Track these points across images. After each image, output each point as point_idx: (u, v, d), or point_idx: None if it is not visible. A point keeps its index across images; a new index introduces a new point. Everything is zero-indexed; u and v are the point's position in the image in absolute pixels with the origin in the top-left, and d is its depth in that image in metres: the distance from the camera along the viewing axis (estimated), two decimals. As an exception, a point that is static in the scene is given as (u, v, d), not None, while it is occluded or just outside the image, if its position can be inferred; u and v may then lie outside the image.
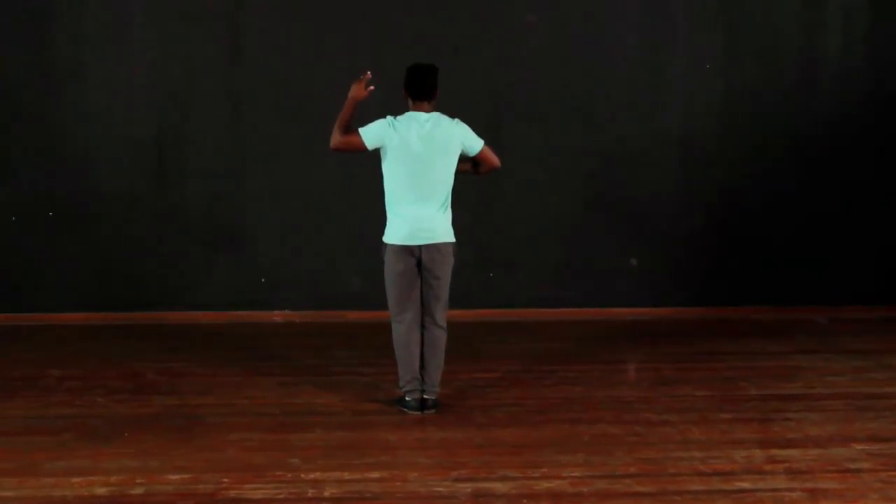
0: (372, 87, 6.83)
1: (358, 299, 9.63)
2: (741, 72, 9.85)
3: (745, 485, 5.70)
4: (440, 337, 6.99)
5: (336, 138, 6.79)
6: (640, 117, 9.82)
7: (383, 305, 9.74)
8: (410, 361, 6.94)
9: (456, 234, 9.75)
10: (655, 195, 9.87)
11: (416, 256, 6.88)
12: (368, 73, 6.89)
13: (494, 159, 7.12)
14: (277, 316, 9.65)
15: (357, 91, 6.81)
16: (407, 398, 6.95)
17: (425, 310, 6.98)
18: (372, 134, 6.80)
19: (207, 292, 9.62)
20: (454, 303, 9.61)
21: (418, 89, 6.89)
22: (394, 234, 6.88)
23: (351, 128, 6.81)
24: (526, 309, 9.80)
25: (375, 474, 5.81)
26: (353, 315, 9.55)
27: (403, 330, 6.96)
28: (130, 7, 9.40)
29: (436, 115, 6.92)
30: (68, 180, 9.46)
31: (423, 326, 6.98)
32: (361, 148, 6.82)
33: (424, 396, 6.93)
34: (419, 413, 6.88)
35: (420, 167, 6.82)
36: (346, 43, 9.50)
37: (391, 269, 6.92)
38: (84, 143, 9.44)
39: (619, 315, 9.80)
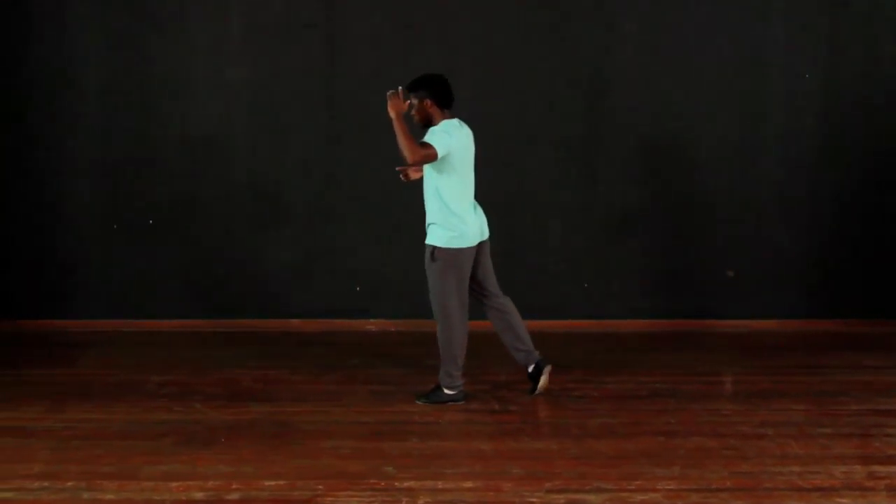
0: (409, 101, 7.21)
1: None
2: (842, 79, 9.67)
3: (845, 501, 5.62)
4: (510, 302, 7.61)
5: (417, 153, 7.02)
6: (739, 126, 9.67)
7: (476, 313, 9.79)
8: (461, 358, 7.44)
9: (549, 245, 9.81)
10: (753, 205, 9.73)
11: (475, 253, 7.34)
12: (400, 87, 7.20)
13: None
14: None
15: (398, 106, 7.14)
16: (458, 391, 7.40)
17: (492, 289, 7.51)
18: (442, 144, 7.08)
19: (304, 300, 9.70)
20: (548, 313, 9.65)
21: (451, 97, 7.32)
22: (464, 239, 7.23)
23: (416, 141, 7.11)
24: (620, 320, 9.72)
25: (469, 484, 5.82)
26: (448, 324, 9.56)
27: (464, 326, 7.41)
28: (229, 19, 9.51)
29: (458, 119, 7.35)
30: (168, 189, 9.60)
31: (494, 307, 7.53)
32: (435, 158, 7.09)
33: (538, 364, 7.52)
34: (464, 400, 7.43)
35: (469, 170, 7.32)
36: (439, 48, 9.52)
37: (460, 271, 7.27)
38: (183, 153, 9.58)
39: (715, 326, 9.67)
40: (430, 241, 7.24)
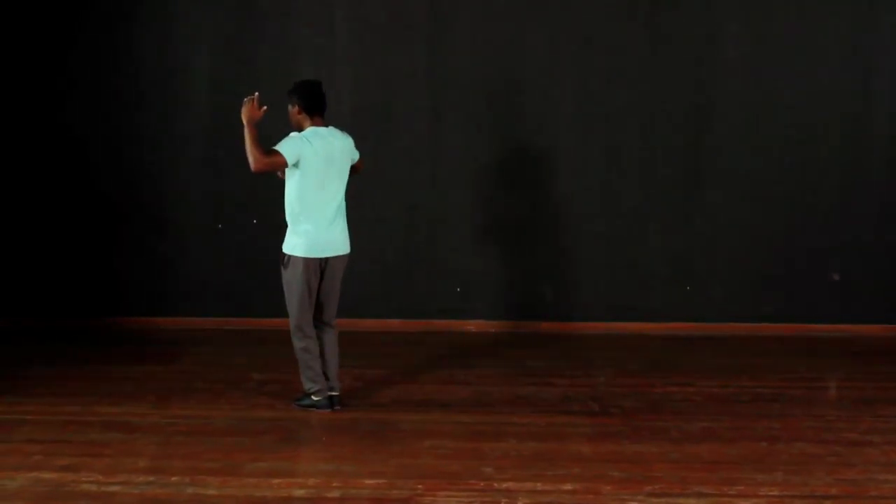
0: (265, 107, 7.05)
1: (552, 309, 9.62)
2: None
3: (954, 511, 5.50)
4: (335, 336, 7.41)
5: (261, 160, 6.90)
6: (846, 129, 9.51)
7: (577, 316, 9.74)
8: (318, 366, 7.27)
9: (650, 248, 9.71)
10: (860, 208, 9.55)
11: (322, 267, 7.17)
12: (257, 93, 7.10)
13: (362, 165, 7.52)
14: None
15: (251, 113, 7.00)
16: (317, 398, 7.23)
17: (323, 312, 7.32)
18: (291, 150, 6.97)
19: (403, 301, 9.74)
20: (646, 315, 9.59)
21: (319, 104, 7.17)
22: (307, 248, 7.09)
23: (264, 148, 6.95)
24: (723, 323, 9.61)
25: (568, 486, 5.80)
26: (547, 325, 9.54)
27: (312, 341, 7.23)
28: (333, 20, 9.60)
29: (331, 128, 7.19)
30: (268, 188, 9.71)
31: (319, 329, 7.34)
32: (284, 165, 6.99)
33: (334, 394, 7.31)
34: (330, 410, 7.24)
35: (329, 179, 7.10)
36: (543, 51, 9.51)
37: (300, 280, 7.13)
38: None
39: (819, 331, 9.52)
40: (283, 246, 7.17)
